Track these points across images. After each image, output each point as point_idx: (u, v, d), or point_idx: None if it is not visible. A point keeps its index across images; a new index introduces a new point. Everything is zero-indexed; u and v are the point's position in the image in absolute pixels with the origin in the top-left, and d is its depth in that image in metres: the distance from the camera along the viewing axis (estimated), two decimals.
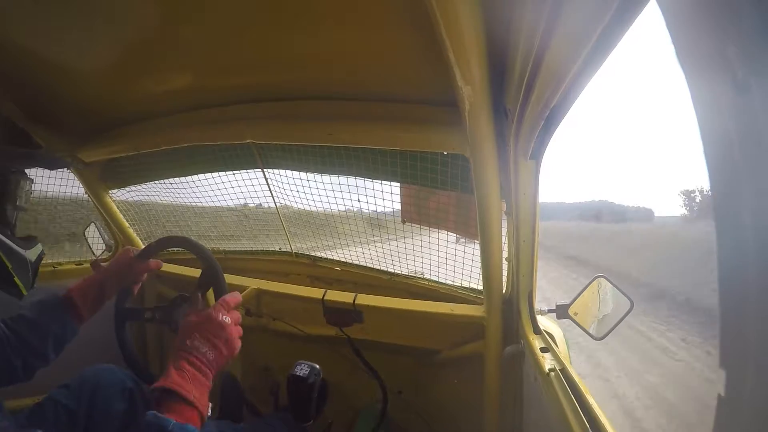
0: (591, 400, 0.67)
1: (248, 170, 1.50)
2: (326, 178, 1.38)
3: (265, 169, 1.47)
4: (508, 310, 1.10)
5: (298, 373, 1.13)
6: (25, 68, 0.97)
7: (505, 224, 1.01)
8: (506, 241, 1.03)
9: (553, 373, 0.79)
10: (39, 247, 1.06)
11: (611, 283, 1.04)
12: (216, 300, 1.05)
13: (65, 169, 1.50)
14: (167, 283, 1.71)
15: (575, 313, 1.05)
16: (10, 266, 0.97)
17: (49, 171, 1.52)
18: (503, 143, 0.83)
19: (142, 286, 1.12)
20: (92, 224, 1.76)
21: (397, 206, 1.35)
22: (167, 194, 1.74)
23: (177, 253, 1.71)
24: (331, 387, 1.21)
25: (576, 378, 0.74)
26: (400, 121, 0.94)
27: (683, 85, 0.26)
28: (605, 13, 0.35)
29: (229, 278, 1.15)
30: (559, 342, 1.11)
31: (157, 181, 1.67)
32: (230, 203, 1.66)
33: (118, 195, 1.68)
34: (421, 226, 1.39)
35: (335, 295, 1.35)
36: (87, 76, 1.00)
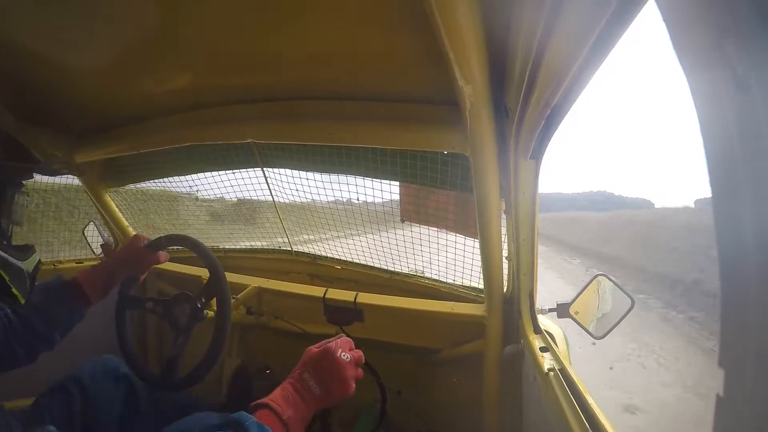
0: (590, 400, 0.67)
1: (248, 169, 1.50)
2: (326, 177, 1.38)
3: (264, 168, 1.47)
4: (509, 309, 1.10)
5: None
6: (24, 68, 0.96)
7: (504, 223, 1.01)
8: (506, 240, 1.03)
9: (552, 373, 0.79)
10: (36, 257, 1.06)
11: (612, 281, 1.04)
12: (218, 307, 1.06)
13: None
14: (167, 280, 1.71)
15: (576, 312, 1.05)
16: (7, 278, 0.98)
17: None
18: (503, 143, 0.83)
19: (143, 286, 1.12)
20: (91, 223, 1.76)
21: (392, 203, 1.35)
22: (167, 193, 1.74)
23: (178, 251, 1.72)
24: None
25: (575, 378, 0.74)
26: (401, 120, 0.94)
27: (683, 82, 0.26)
28: (605, 12, 0.35)
29: (230, 276, 1.15)
30: (559, 341, 1.11)
31: (156, 181, 1.67)
32: (230, 203, 1.66)
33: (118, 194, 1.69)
34: (420, 225, 1.39)
35: (336, 294, 1.35)
36: (87, 75, 1.00)
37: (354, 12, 0.69)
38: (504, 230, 1.01)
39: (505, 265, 1.06)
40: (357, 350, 0.79)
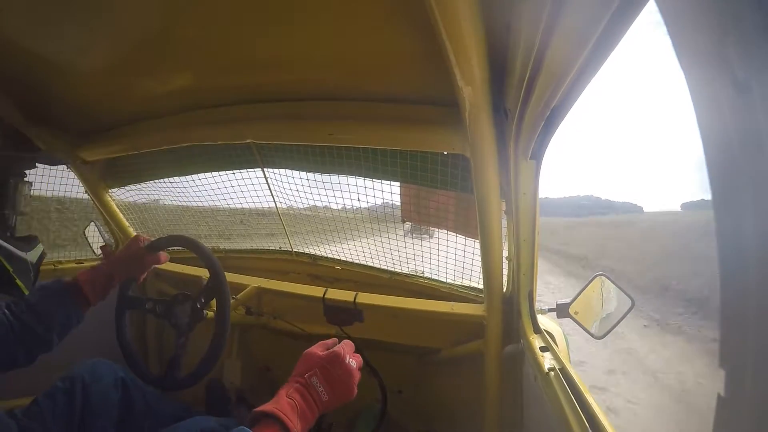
0: (590, 400, 0.67)
1: (248, 170, 1.50)
2: (326, 177, 1.38)
3: (265, 169, 1.47)
4: (509, 309, 1.10)
5: None
6: (24, 68, 0.96)
7: (504, 223, 1.01)
8: (506, 241, 1.04)
9: (552, 373, 0.79)
10: (40, 248, 1.06)
11: (612, 281, 1.04)
12: (217, 307, 1.05)
13: (66, 169, 1.51)
14: (167, 280, 1.71)
15: (576, 312, 1.05)
16: (11, 269, 0.98)
17: (49, 170, 1.53)
18: (503, 143, 0.83)
19: (143, 286, 1.12)
20: (92, 223, 1.76)
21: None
22: (167, 193, 1.74)
23: (178, 252, 1.72)
24: None
25: (576, 378, 0.74)
26: (401, 121, 0.94)
27: (683, 85, 0.26)
28: (605, 13, 0.35)
29: (230, 277, 1.15)
30: (558, 341, 1.11)
31: (157, 180, 1.67)
32: (230, 202, 1.66)
33: (118, 194, 1.68)
34: (421, 226, 1.39)
35: (336, 294, 1.35)
36: (87, 75, 1.00)
37: (354, 13, 0.69)
38: (504, 230, 1.01)
39: (505, 265, 1.06)
40: (356, 353, 0.78)
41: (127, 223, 1.71)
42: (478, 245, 1.08)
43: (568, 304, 1.06)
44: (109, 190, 1.64)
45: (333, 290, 1.37)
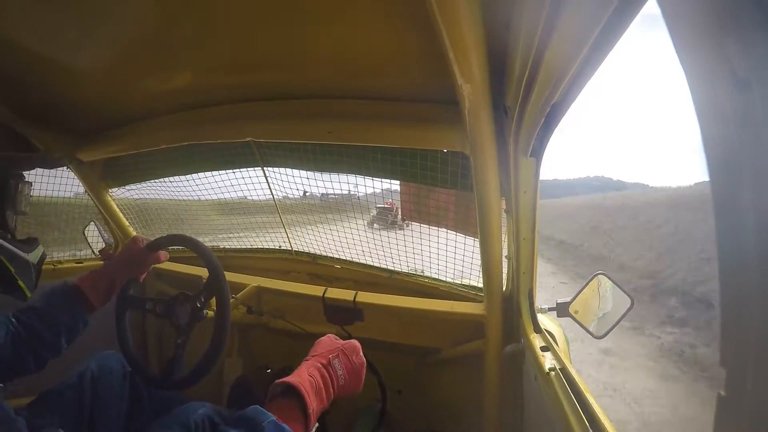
0: (591, 400, 0.67)
1: (248, 168, 1.50)
2: (326, 176, 1.38)
3: (264, 168, 1.47)
4: (509, 308, 1.10)
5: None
6: (23, 68, 0.96)
7: (504, 221, 1.01)
8: (506, 239, 1.03)
9: (553, 373, 0.79)
10: (40, 249, 1.06)
11: (611, 280, 1.04)
12: (217, 306, 1.06)
13: (65, 168, 1.51)
14: (167, 280, 1.71)
15: (575, 311, 1.05)
16: (13, 270, 0.98)
17: (49, 170, 1.53)
18: (503, 141, 0.82)
19: (143, 286, 1.12)
20: (92, 223, 1.76)
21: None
22: (167, 192, 1.74)
23: (178, 251, 1.72)
24: None
25: (576, 377, 0.74)
26: (400, 119, 0.94)
27: (682, 81, 0.26)
28: (606, 11, 0.35)
29: (230, 276, 1.15)
30: (559, 341, 1.11)
31: (157, 180, 1.67)
32: (230, 201, 1.66)
33: (118, 193, 1.68)
34: (421, 224, 1.39)
35: (336, 293, 1.35)
36: (87, 75, 1.00)
37: (354, 11, 0.69)
38: (504, 229, 1.01)
39: (505, 264, 1.06)
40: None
41: (127, 223, 1.71)
42: (477, 243, 1.08)
43: (568, 304, 1.06)
44: (109, 190, 1.64)
45: (333, 289, 1.37)
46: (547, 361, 0.84)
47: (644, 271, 7.77)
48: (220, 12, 0.74)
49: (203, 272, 1.38)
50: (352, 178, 1.31)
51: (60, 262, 1.61)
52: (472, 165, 0.86)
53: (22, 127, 1.23)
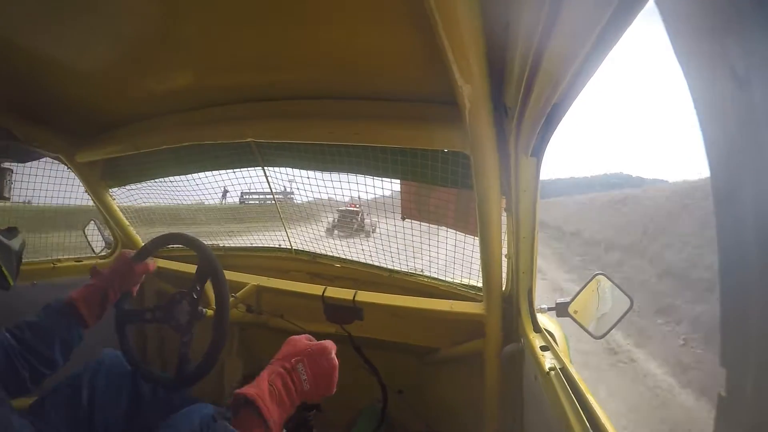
0: (591, 399, 0.67)
1: (248, 168, 1.50)
2: (326, 175, 1.38)
3: (265, 167, 1.47)
4: (508, 307, 1.10)
5: None
6: (24, 68, 0.96)
7: (504, 221, 1.01)
8: (506, 238, 1.03)
9: (553, 372, 0.79)
10: (20, 237, 1.07)
11: (611, 280, 1.04)
12: (215, 294, 1.05)
13: (66, 169, 1.51)
14: (166, 279, 1.71)
15: (575, 311, 1.05)
16: None
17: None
18: (504, 140, 0.82)
19: (142, 284, 1.12)
20: (91, 222, 1.76)
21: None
22: (167, 192, 1.74)
23: (175, 250, 1.72)
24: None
25: (576, 377, 0.74)
26: (400, 119, 0.94)
27: (682, 80, 0.26)
28: (606, 10, 0.35)
29: (229, 275, 1.15)
30: (559, 340, 1.11)
31: (157, 180, 1.67)
32: (230, 201, 1.66)
33: (119, 193, 1.68)
34: (421, 223, 1.38)
35: (335, 292, 1.35)
36: (87, 75, 1.00)
37: (353, 11, 0.69)
38: (504, 228, 1.01)
39: (504, 264, 1.06)
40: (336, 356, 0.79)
41: (126, 222, 1.70)
42: (476, 242, 1.08)
43: (568, 304, 1.06)
44: (109, 190, 1.64)
45: (332, 288, 1.37)
46: (547, 360, 0.84)
47: None
48: (220, 12, 0.73)
49: None
50: (353, 178, 1.31)
51: (59, 261, 1.61)
52: (472, 164, 0.86)
53: (22, 127, 1.23)
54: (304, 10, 0.70)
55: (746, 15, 0.21)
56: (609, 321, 1.01)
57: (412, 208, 1.35)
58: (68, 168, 1.50)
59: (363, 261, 1.56)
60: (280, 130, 1.08)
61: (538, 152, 0.77)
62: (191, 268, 1.53)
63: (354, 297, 1.30)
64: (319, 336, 0.83)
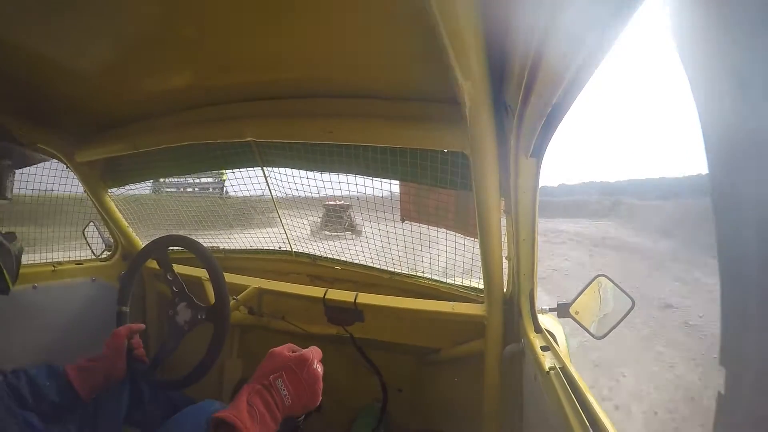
0: (591, 399, 0.66)
1: (247, 168, 1.50)
2: (326, 175, 1.38)
3: (264, 168, 1.47)
4: (509, 308, 1.10)
5: None
6: (24, 68, 0.96)
7: (504, 222, 1.01)
8: (506, 240, 1.03)
9: (553, 372, 0.79)
10: (18, 242, 1.07)
11: (612, 281, 1.04)
12: (215, 291, 1.05)
13: (66, 168, 1.51)
14: (166, 281, 1.71)
15: (576, 312, 1.05)
16: None
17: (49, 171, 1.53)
18: (504, 140, 0.82)
19: (143, 287, 1.12)
20: (91, 223, 1.75)
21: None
22: (167, 191, 1.74)
23: (175, 252, 1.72)
24: (330, 386, 1.21)
25: (576, 377, 0.74)
26: (400, 118, 0.94)
27: (684, 79, 0.26)
28: (606, 9, 0.35)
29: (230, 277, 1.15)
30: (559, 341, 1.10)
31: (156, 180, 1.67)
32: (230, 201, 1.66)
33: (119, 194, 1.68)
34: (420, 224, 1.38)
35: (336, 294, 1.35)
36: (86, 75, 1.00)
37: (353, 11, 0.69)
38: (504, 230, 1.01)
39: (505, 265, 1.06)
40: (320, 364, 0.77)
41: (126, 224, 1.70)
42: (477, 244, 1.08)
43: (569, 305, 1.06)
44: (109, 190, 1.63)
45: (333, 291, 1.37)
46: (548, 360, 0.84)
47: None
48: (220, 12, 0.73)
49: (203, 273, 1.38)
50: (352, 178, 1.31)
51: (60, 263, 1.60)
52: (472, 165, 0.85)
53: (22, 126, 1.23)
54: (304, 9, 0.70)
55: (747, 16, 0.21)
56: (610, 321, 1.01)
57: (412, 210, 1.35)
58: (67, 168, 1.50)
59: (363, 263, 1.56)
60: (279, 130, 1.08)
61: (538, 153, 0.77)
62: (191, 271, 1.53)
63: (355, 299, 1.30)
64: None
